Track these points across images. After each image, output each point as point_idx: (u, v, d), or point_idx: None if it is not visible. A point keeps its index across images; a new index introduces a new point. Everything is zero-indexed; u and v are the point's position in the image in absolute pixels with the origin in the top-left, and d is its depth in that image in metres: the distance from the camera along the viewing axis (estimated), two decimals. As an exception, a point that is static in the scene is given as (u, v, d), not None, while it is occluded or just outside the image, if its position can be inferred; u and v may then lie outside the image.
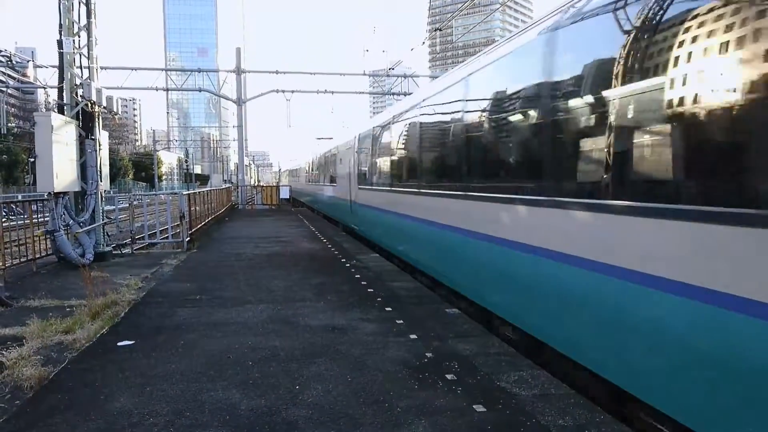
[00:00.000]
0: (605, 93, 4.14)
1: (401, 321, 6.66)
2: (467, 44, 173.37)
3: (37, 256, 11.56)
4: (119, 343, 5.92)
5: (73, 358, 5.49)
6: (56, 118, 11.30)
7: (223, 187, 32.17)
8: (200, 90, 36.73)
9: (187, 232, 14.86)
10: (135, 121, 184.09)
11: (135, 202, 16.77)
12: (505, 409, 4.08)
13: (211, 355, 5.49)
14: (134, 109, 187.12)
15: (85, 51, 12.51)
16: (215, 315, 7.16)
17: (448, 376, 4.76)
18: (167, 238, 16.34)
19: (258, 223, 23.19)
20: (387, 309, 7.31)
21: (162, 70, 37.91)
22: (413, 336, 6.01)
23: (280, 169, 35.80)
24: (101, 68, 13.08)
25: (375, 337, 6.00)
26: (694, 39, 3.25)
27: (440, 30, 26.17)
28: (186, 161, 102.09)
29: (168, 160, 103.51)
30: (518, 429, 3.75)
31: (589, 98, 4.39)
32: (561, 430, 3.73)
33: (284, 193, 40.12)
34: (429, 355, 5.36)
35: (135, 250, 14.41)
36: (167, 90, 37.07)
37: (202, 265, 11.51)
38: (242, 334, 6.21)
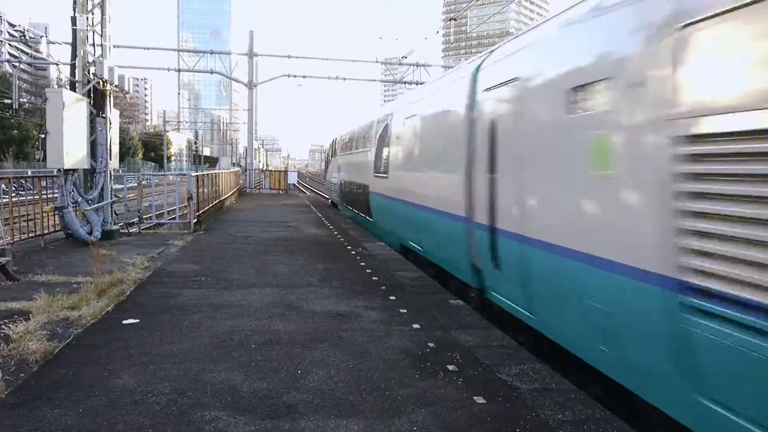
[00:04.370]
0: None
1: (404, 310, 6.67)
2: (481, 35, 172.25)
3: (45, 232, 11.64)
4: (124, 321, 5.97)
5: (78, 334, 5.53)
6: (68, 95, 11.32)
7: (232, 170, 32.20)
8: (212, 72, 36.72)
9: (195, 214, 14.91)
10: (146, 101, 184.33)
11: (143, 182, 16.81)
12: (505, 402, 4.08)
13: (215, 336, 5.52)
14: (145, 89, 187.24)
15: (98, 29, 12.50)
16: (220, 297, 7.20)
17: (450, 367, 4.77)
18: (174, 218, 16.40)
19: (265, 208, 23.23)
20: (391, 297, 7.32)
21: (174, 50, 37.91)
22: (416, 325, 6.02)
23: (332, 149, 26.13)
24: (114, 46, 13.07)
25: (378, 325, 6.02)
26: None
27: (455, 20, 25.96)
28: (195, 143, 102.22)
29: (177, 141, 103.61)
30: (517, 422, 3.76)
31: None
32: (560, 424, 3.73)
33: (292, 178, 40.15)
34: (431, 345, 5.37)
35: (142, 229, 14.48)
36: (179, 71, 37.06)
37: (209, 247, 11.55)
38: (246, 317, 6.24)
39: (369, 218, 14.95)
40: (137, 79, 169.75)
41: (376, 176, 13.73)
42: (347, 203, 19.31)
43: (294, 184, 40.65)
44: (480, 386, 4.36)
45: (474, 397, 4.14)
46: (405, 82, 38.05)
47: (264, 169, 54.31)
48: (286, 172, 41.68)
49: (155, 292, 7.38)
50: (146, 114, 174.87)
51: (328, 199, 29.55)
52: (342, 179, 20.64)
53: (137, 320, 6.03)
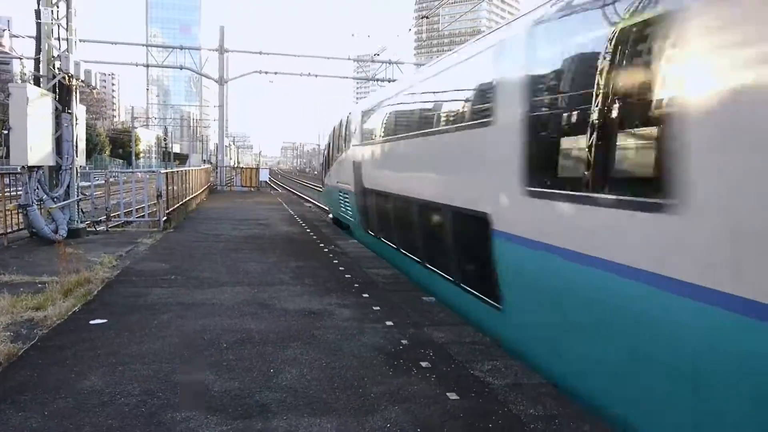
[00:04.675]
0: None
1: (378, 307, 6.67)
2: (453, 33, 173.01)
3: (9, 230, 11.33)
4: (91, 322, 5.84)
5: (43, 335, 5.40)
6: (32, 90, 11.04)
7: (202, 167, 31.78)
8: (182, 68, 36.15)
9: (164, 212, 14.68)
10: (113, 97, 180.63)
11: (111, 179, 16.50)
12: (477, 398, 4.11)
13: (185, 336, 5.45)
14: (113, 85, 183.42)
15: (63, 22, 12.20)
16: (190, 296, 7.10)
17: (423, 364, 4.79)
18: (143, 216, 16.12)
19: (237, 205, 23.00)
20: (364, 295, 7.31)
21: (143, 45, 37.22)
22: (389, 323, 6.02)
23: (341, 133, 14.72)
24: (80, 41, 12.77)
25: (351, 323, 6.01)
26: None
27: (427, 18, 26.03)
28: (165, 140, 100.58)
29: (146, 138, 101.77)
30: (490, 417, 3.79)
31: None
32: (532, 419, 3.78)
33: (264, 176, 39.83)
34: (404, 342, 5.38)
35: (110, 227, 14.20)
36: (147, 66, 36.42)
37: (179, 246, 11.38)
38: (217, 316, 6.17)
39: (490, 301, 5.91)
40: (104, 75, 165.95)
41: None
42: (398, 245, 9.80)
43: (266, 182, 40.32)
44: (453, 382, 4.39)
45: (447, 394, 4.16)
46: (378, 80, 38.02)
47: (235, 166, 53.78)
48: (257, 169, 41.35)
49: (124, 292, 7.24)
50: (114, 110, 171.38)
51: (328, 213, 19.87)
52: (373, 186, 11.25)
53: (105, 320, 5.91)
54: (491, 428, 3.62)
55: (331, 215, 18.47)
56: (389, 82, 35.36)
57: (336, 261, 9.86)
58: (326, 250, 11.17)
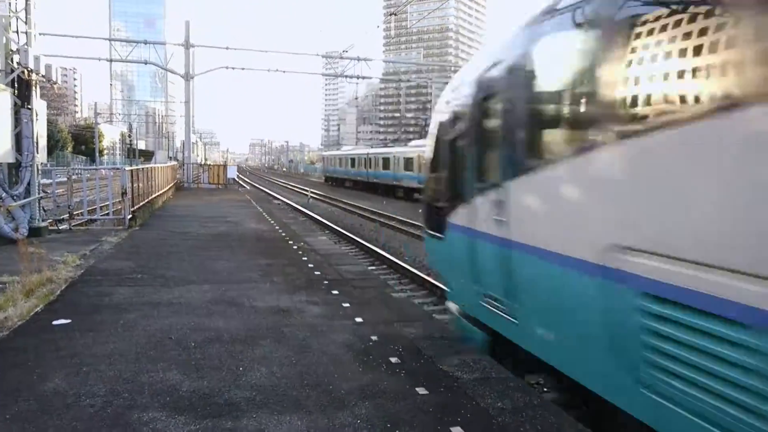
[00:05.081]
0: None
1: (347, 304, 6.67)
2: (422, 30, 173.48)
3: (-34, 229, 10.97)
4: (54, 322, 5.71)
5: (3, 336, 5.26)
6: (-11, 85, 10.71)
7: (168, 164, 31.25)
8: (146, 62, 35.47)
9: (130, 210, 14.41)
10: (75, 92, 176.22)
11: (74, 177, 16.12)
12: (446, 392, 4.16)
13: (152, 335, 5.37)
14: (75, 79, 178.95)
15: (22, 15, 11.86)
16: (157, 295, 6.99)
17: (392, 360, 4.81)
18: (108, 214, 15.81)
19: (204, 203, 22.71)
20: (333, 292, 7.31)
21: (106, 39, 36.42)
22: (359, 319, 6.04)
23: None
24: (40, 34, 12.43)
25: (320, 320, 6.00)
26: None
27: (395, 14, 26.11)
28: (129, 136, 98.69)
29: (110, 135, 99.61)
30: (458, 411, 3.84)
31: None
32: (500, 412, 3.84)
33: (231, 173, 39.39)
34: (374, 338, 5.41)
35: (73, 226, 13.87)
36: (111, 61, 35.64)
37: (145, 244, 11.20)
38: (185, 315, 6.09)
39: None
40: (66, 69, 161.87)
41: None
42: None
43: (233, 179, 39.89)
44: (422, 377, 4.42)
45: (416, 389, 4.20)
46: (346, 76, 37.91)
47: (203, 163, 53.01)
48: (225, 166, 40.85)
49: (88, 291, 7.10)
50: (76, 106, 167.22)
51: (449, 299, 6.35)
52: None
53: (69, 320, 5.79)
54: (460, 422, 3.67)
55: (455, 305, 5.96)
56: (359, 79, 35.33)
57: (305, 258, 9.83)
58: (295, 247, 11.12)
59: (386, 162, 39.53)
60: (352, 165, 48.78)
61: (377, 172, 41.34)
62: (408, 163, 35.33)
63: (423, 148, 30.69)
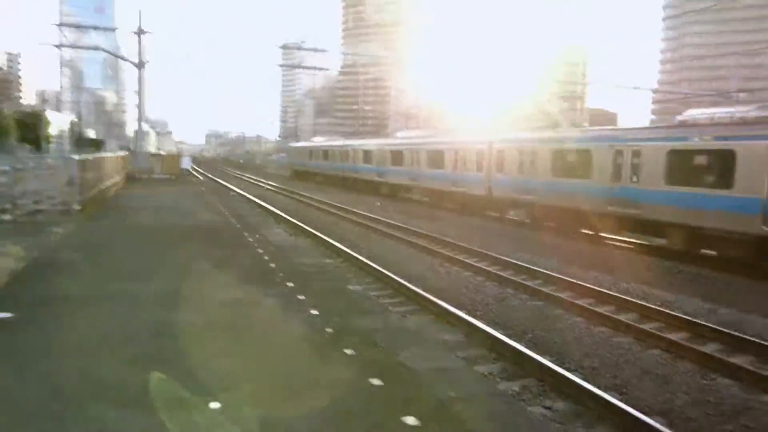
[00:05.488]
0: None
1: (303, 296, 6.63)
2: (380, 23, 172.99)
3: None
4: (-5, 316, 5.49)
5: (-60, 331, 5.03)
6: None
7: (119, 153, 30.37)
8: (97, 49, 34.34)
9: (78, 200, 13.94)
10: (19, 77, 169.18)
11: (18, 166, 15.49)
12: (402, 383, 4.18)
13: (101, 329, 5.22)
14: (18, 64, 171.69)
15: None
16: (107, 287, 6.80)
17: (348, 351, 4.81)
18: (55, 205, 15.24)
19: (157, 193, 22.16)
20: (289, 284, 7.25)
21: (56, 25, 35.05)
22: (314, 312, 6.00)
23: None
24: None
25: (276, 313, 5.95)
26: None
27: (353, 6, 25.89)
28: (78, 124, 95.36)
29: (58, 122, 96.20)
30: (411, 401, 3.87)
31: None
32: (453, 401, 3.89)
33: (186, 164, 38.58)
34: (329, 330, 5.39)
35: (17, 216, 13.33)
36: (60, 47, 34.35)
37: (94, 236, 10.87)
38: (136, 308, 5.94)
39: None
40: (10, 54, 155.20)
41: None
42: None
43: (188, 170, 39.08)
44: (377, 369, 4.43)
45: (370, 380, 4.20)
46: (304, 67, 37.59)
47: (156, 153, 51.74)
48: (179, 156, 39.98)
49: (32, 284, 6.85)
50: (20, 92, 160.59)
51: None
52: None
53: (10, 314, 5.56)
54: (414, 411, 3.70)
55: None
56: (318, 70, 35.00)
57: (260, 250, 9.71)
58: (251, 239, 10.98)
59: (367, 155, 33.08)
60: (325, 158, 41.83)
61: (356, 166, 35.18)
62: (396, 157, 28.73)
63: (416, 140, 26.79)
